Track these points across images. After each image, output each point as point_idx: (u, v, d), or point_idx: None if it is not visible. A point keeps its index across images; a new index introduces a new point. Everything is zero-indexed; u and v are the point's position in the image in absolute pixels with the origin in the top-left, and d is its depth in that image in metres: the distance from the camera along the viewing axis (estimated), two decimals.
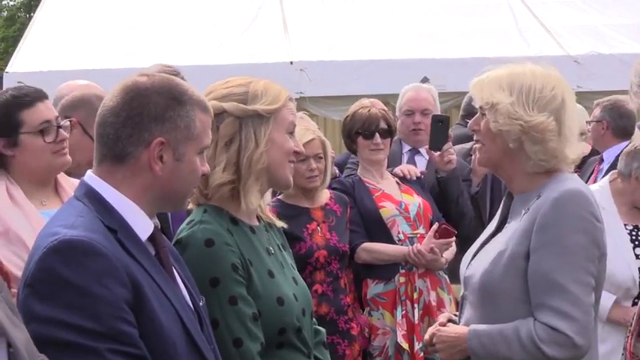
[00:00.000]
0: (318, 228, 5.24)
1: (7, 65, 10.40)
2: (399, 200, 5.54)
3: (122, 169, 2.52)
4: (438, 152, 5.78)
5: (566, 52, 10.16)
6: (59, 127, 3.74)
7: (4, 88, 3.96)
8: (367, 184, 5.59)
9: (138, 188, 2.53)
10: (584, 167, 7.03)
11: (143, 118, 2.51)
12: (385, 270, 5.37)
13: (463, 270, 3.45)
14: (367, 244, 5.40)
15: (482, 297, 3.29)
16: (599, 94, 8.70)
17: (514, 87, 3.29)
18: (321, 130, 6.45)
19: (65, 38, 10.56)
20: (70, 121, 3.95)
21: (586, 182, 6.37)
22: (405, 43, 10.45)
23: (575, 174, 3.36)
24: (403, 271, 5.36)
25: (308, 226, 5.22)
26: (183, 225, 3.09)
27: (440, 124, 5.78)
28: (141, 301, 2.39)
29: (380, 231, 5.46)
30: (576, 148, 3.30)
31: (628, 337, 4.72)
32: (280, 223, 3.33)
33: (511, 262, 3.18)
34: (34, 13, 13.30)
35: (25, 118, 3.67)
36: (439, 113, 6.30)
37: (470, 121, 3.46)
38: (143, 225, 2.54)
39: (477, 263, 3.36)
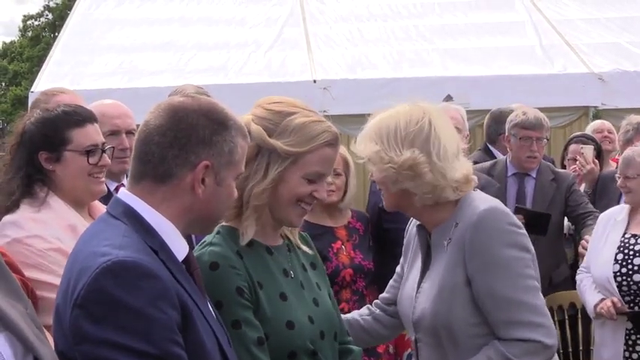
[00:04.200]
0: (343, 247, 5.23)
1: (32, 84, 10.48)
2: None
3: (163, 188, 2.50)
4: None
5: (591, 70, 10.14)
6: (104, 151, 3.74)
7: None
8: None
9: (176, 209, 2.51)
10: (599, 185, 6.92)
11: (191, 140, 2.49)
12: None
13: (408, 313, 3.45)
14: None
15: (438, 336, 3.31)
16: (624, 112, 8.70)
17: (382, 134, 3.32)
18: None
19: (90, 58, 10.63)
20: (113, 147, 3.97)
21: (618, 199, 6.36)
22: (428, 62, 10.46)
23: (478, 191, 3.39)
24: None
25: (333, 245, 5.21)
26: (197, 246, 3.06)
27: None
28: (188, 324, 2.38)
29: None
30: (460, 167, 3.31)
31: None
32: (305, 248, 3.25)
33: (453, 292, 3.23)
34: (58, 33, 13.40)
35: (73, 137, 3.67)
36: (467, 132, 6.31)
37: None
38: (180, 246, 2.52)
39: (421, 305, 3.36)
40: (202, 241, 3.04)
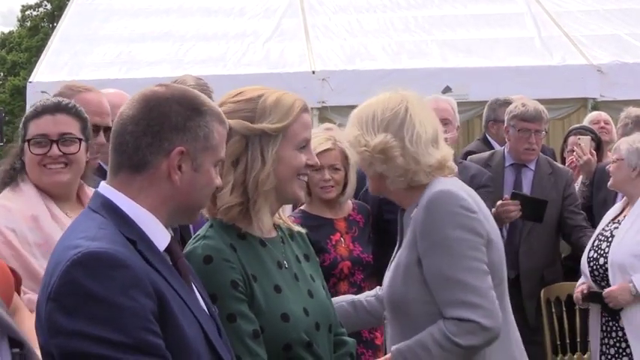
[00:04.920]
0: (342, 239, 5.23)
1: (30, 75, 10.46)
2: None
3: (139, 178, 2.50)
4: None
5: (590, 62, 10.13)
6: (55, 141, 3.69)
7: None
8: None
9: (155, 199, 2.51)
10: (597, 176, 6.84)
11: (164, 127, 2.48)
12: None
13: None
14: None
15: (394, 312, 3.48)
16: (623, 103, 8.69)
17: (362, 119, 3.48)
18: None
19: (88, 48, 10.62)
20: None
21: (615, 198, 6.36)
22: (427, 53, 10.45)
23: (453, 177, 3.50)
24: None
25: (331, 237, 5.21)
26: (190, 240, 3.05)
27: None
28: (165, 312, 2.37)
29: None
30: (435, 153, 3.43)
31: None
32: (298, 228, 3.28)
33: (407, 271, 3.37)
34: (57, 23, 13.37)
35: (30, 128, 3.73)
36: (458, 124, 6.33)
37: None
38: (160, 236, 2.52)
39: (385, 283, 3.54)
40: (197, 234, 3.04)
